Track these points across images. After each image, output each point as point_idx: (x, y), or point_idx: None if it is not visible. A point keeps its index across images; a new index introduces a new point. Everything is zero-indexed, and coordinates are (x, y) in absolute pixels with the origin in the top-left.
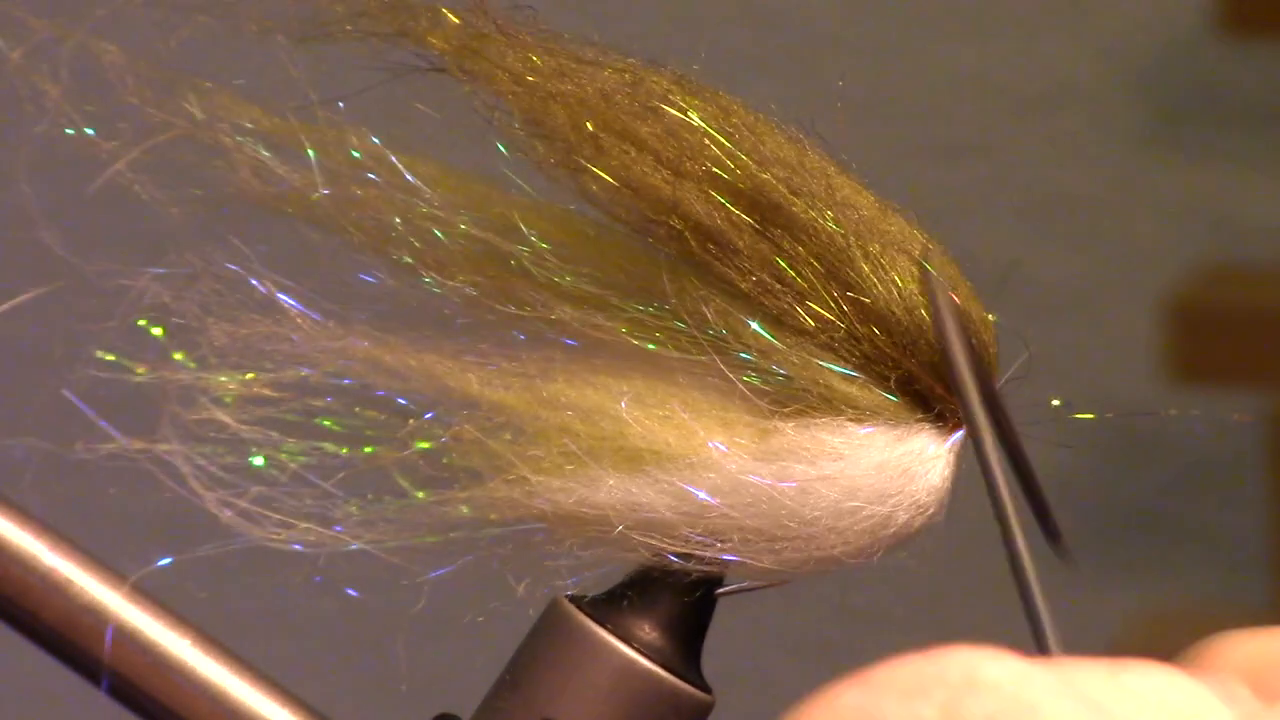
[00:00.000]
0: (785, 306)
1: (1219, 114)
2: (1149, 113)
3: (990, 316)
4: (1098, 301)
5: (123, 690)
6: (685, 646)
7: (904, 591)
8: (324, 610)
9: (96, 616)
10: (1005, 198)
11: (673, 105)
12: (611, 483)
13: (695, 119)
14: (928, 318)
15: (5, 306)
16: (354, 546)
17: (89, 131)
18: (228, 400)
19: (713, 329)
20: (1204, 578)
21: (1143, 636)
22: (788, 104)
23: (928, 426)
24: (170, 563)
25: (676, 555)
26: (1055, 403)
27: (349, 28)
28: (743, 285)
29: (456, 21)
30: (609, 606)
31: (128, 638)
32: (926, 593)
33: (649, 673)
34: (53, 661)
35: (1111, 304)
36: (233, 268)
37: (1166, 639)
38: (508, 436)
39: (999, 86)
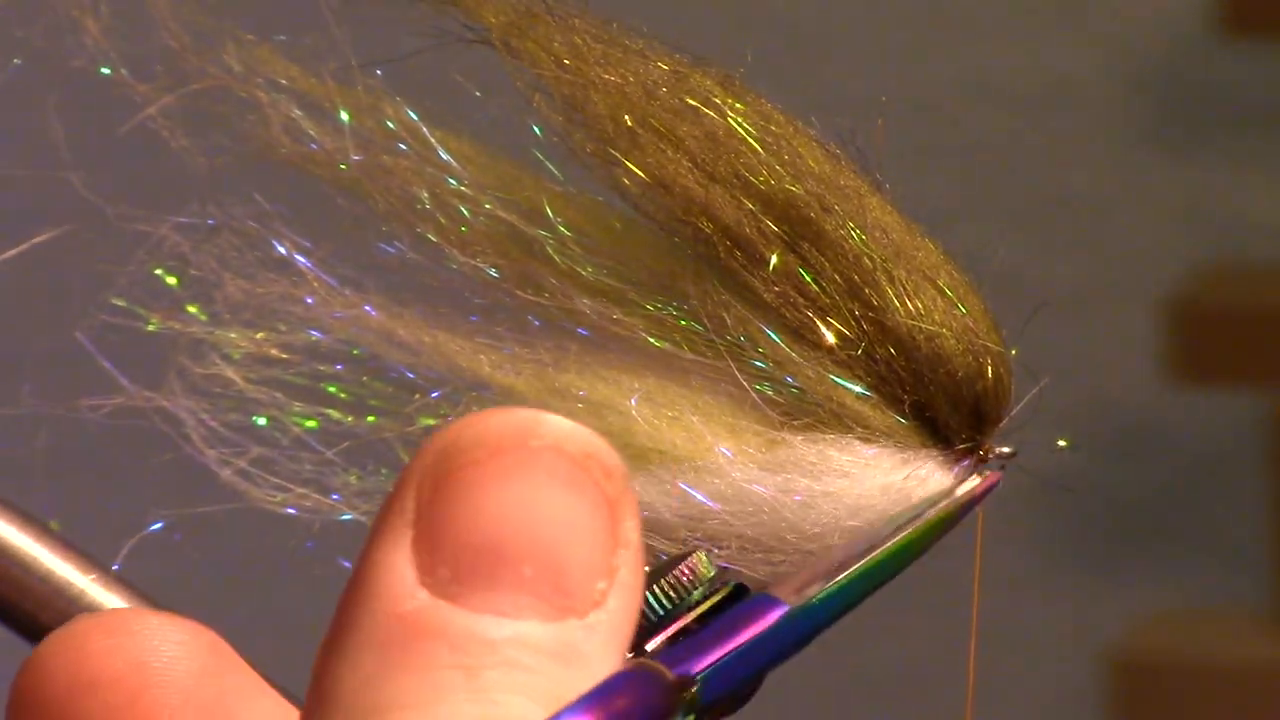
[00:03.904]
0: (805, 320)
1: (1219, 114)
2: (1149, 113)
3: (1008, 352)
4: (1098, 301)
5: None
6: None
7: (900, 593)
8: (326, 611)
9: None
10: (1005, 198)
11: (713, 108)
12: None
13: (734, 124)
14: (946, 348)
15: (24, 246)
16: (349, 517)
17: (124, 72)
18: (236, 357)
19: (731, 335)
20: (1204, 578)
21: (1143, 637)
22: (787, 104)
23: (935, 453)
24: (161, 527)
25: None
26: (1062, 443)
27: None
28: (765, 295)
29: None
30: None
31: None
32: (925, 592)
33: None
34: None
35: (1111, 304)
36: (254, 225)
37: (1166, 639)
38: None
39: (999, 86)
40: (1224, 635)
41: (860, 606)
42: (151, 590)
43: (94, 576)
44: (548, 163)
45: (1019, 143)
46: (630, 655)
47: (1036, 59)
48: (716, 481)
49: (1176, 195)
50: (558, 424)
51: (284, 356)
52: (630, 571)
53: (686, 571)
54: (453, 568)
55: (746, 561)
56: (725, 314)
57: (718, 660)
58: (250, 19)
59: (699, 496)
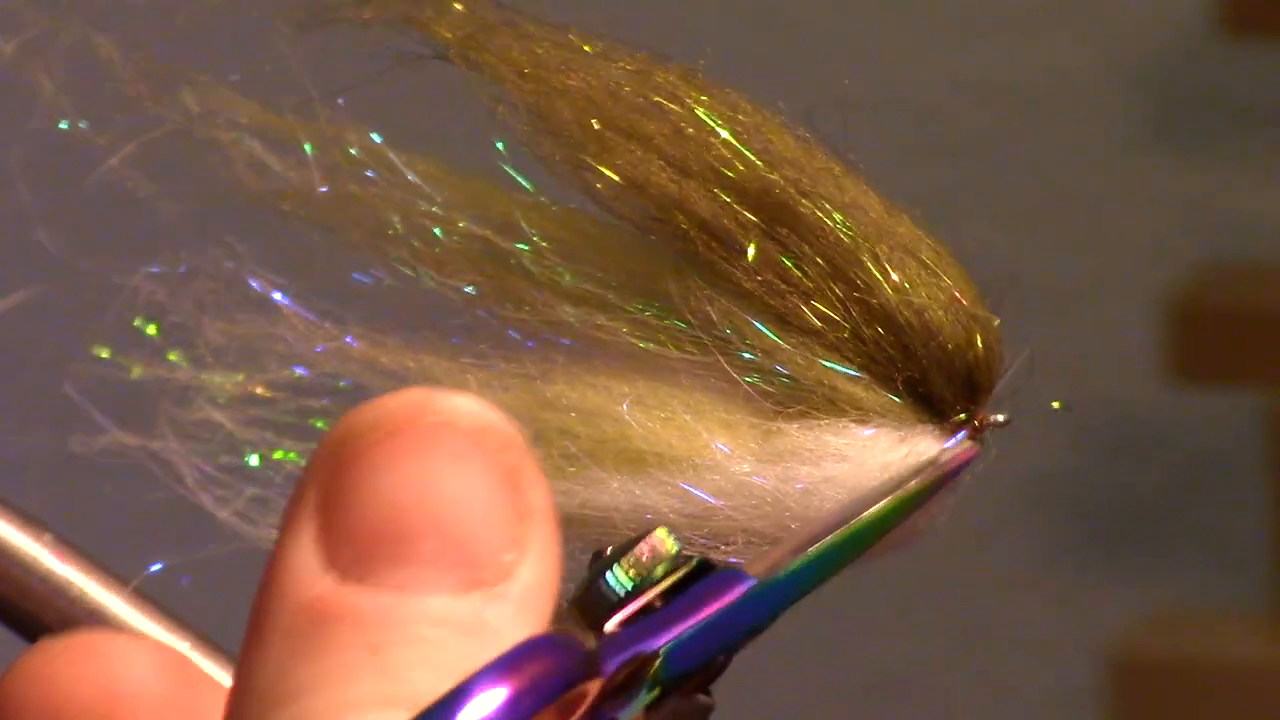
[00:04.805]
0: (790, 306)
1: (1219, 114)
2: (1149, 113)
3: (995, 321)
4: (1098, 301)
5: None
6: None
7: (901, 593)
8: None
9: (98, 620)
10: (1005, 198)
11: (679, 103)
12: (615, 485)
13: (702, 116)
14: (935, 321)
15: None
16: None
17: (83, 126)
18: (223, 400)
19: (717, 329)
20: (1204, 578)
21: (1143, 636)
22: (787, 103)
23: (931, 429)
24: (161, 568)
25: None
26: (1055, 405)
27: (351, 13)
28: (747, 285)
29: (461, 9)
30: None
31: None
32: (923, 594)
33: None
34: None
35: (1111, 304)
36: (228, 265)
37: (1166, 639)
38: None
39: (999, 86)
40: (1224, 635)
41: (859, 608)
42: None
43: (94, 577)
44: (516, 175)
45: (1018, 142)
46: (589, 631)
47: (1036, 58)
48: (716, 478)
49: (1176, 195)
50: (450, 400)
51: (270, 395)
52: (539, 540)
53: (647, 549)
54: (355, 550)
55: (754, 555)
56: (709, 308)
57: (681, 634)
58: (204, 59)
59: (700, 494)
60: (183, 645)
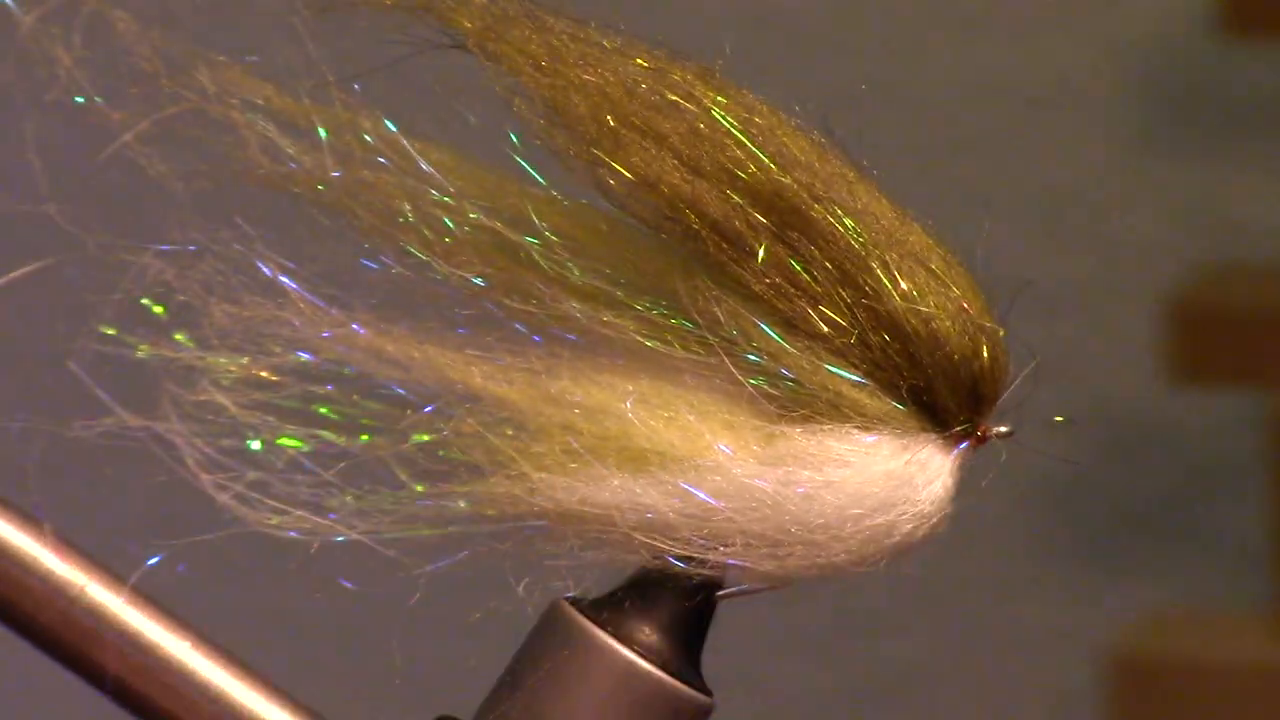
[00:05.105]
0: (798, 310)
1: (1219, 114)
2: (1149, 113)
3: (1001, 332)
4: (1098, 301)
5: (123, 692)
6: (685, 649)
7: (901, 593)
8: (324, 611)
9: (96, 619)
10: (1005, 198)
11: (695, 102)
12: (615, 483)
13: (717, 117)
14: (942, 330)
15: (7, 279)
16: (344, 538)
17: (98, 100)
18: (227, 382)
19: (724, 330)
20: (1204, 578)
21: (1143, 637)
22: (787, 103)
23: (934, 437)
24: (159, 560)
25: (678, 558)
26: (1058, 419)
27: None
28: (756, 287)
29: (483, 0)
30: (609, 609)
31: (128, 640)
32: (923, 594)
33: (649, 675)
34: (52, 664)
35: (1111, 304)
36: (237, 247)
37: (1166, 639)
38: (510, 432)
39: (999, 86)
40: (1224, 635)
41: (858, 607)
42: (151, 590)
43: (94, 576)
44: (529, 168)
45: (1019, 142)
46: None
47: (1037, 58)
48: (717, 479)
49: (1176, 195)
50: None
51: (274, 379)
52: None
53: None
54: None
55: (754, 557)
56: (717, 309)
57: None
58: (221, 39)
59: (701, 495)
60: (183, 645)
